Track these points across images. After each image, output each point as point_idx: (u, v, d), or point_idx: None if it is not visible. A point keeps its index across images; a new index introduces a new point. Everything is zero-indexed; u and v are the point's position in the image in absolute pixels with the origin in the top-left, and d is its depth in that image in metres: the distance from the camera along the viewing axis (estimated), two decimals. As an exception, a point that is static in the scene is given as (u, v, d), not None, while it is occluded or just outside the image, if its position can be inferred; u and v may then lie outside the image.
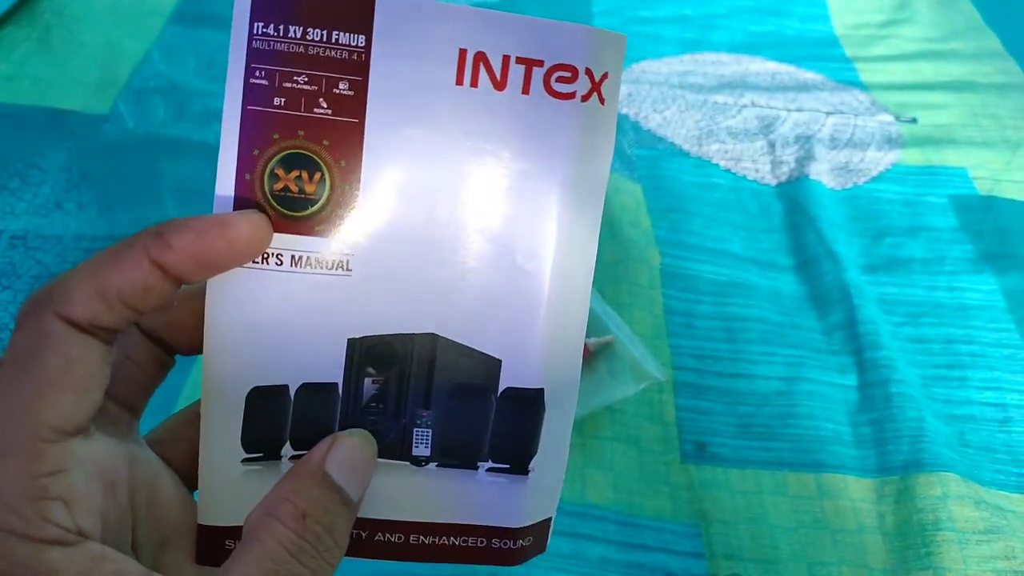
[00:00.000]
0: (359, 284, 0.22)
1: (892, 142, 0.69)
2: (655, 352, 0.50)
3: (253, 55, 0.21)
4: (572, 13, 0.84)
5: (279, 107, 0.21)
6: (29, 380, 0.18)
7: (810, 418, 0.48)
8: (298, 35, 0.21)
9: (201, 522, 0.23)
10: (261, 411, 0.22)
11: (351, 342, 0.22)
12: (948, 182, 0.66)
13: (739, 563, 0.42)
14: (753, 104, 0.72)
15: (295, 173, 0.21)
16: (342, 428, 0.23)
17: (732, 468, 0.46)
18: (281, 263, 0.22)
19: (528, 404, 0.23)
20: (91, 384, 0.19)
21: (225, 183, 0.21)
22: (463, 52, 0.21)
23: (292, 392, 0.22)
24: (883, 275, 0.58)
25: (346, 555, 0.23)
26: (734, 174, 0.66)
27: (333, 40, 0.21)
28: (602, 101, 0.22)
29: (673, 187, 0.64)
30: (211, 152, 0.21)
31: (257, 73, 0.21)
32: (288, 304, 0.22)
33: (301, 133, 0.21)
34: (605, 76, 0.22)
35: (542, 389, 0.23)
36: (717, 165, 0.66)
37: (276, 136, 0.21)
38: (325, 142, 0.21)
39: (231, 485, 0.22)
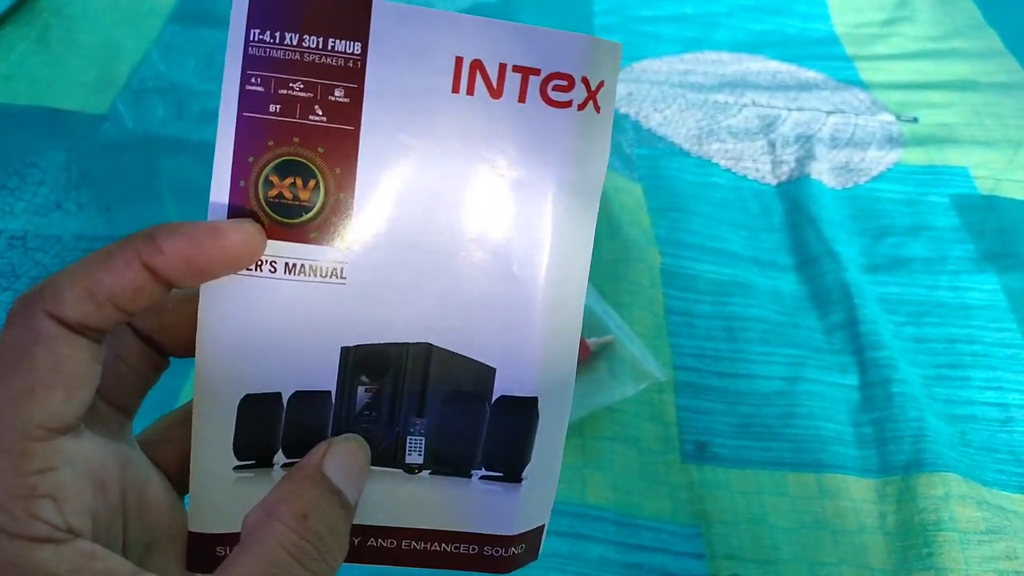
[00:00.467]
0: (353, 292, 0.22)
1: (893, 141, 0.69)
2: (655, 352, 0.50)
3: (249, 62, 0.21)
4: (573, 12, 0.83)
5: (274, 114, 0.21)
6: (18, 378, 0.18)
7: (811, 418, 0.48)
8: (294, 42, 0.21)
9: (192, 529, 0.22)
10: (253, 418, 0.22)
11: (344, 350, 0.22)
12: (950, 181, 0.66)
13: (740, 563, 0.42)
14: (754, 103, 0.72)
15: (289, 180, 0.21)
16: (335, 435, 0.23)
17: (732, 468, 0.46)
18: (275, 270, 0.21)
19: (522, 412, 0.23)
20: (81, 383, 0.19)
21: (220, 189, 0.21)
22: (459, 60, 0.21)
23: (285, 399, 0.22)
24: (884, 275, 0.58)
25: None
26: (735, 173, 0.66)
27: (329, 47, 0.21)
28: (597, 109, 0.22)
29: (673, 186, 0.64)
30: (210, 152, 0.21)
31: (253, 80, 0.21)
32: (281, 311, 0.22)
33: (296, 140, 0.21)
34: (601, 84, 0.22)
35: (536, 397, 0.23)
36: (717, 164, 0.66)
37: (271, 143, 0.21)
38: (320, 149, 0.21)
39: (223, 492, 0.22)
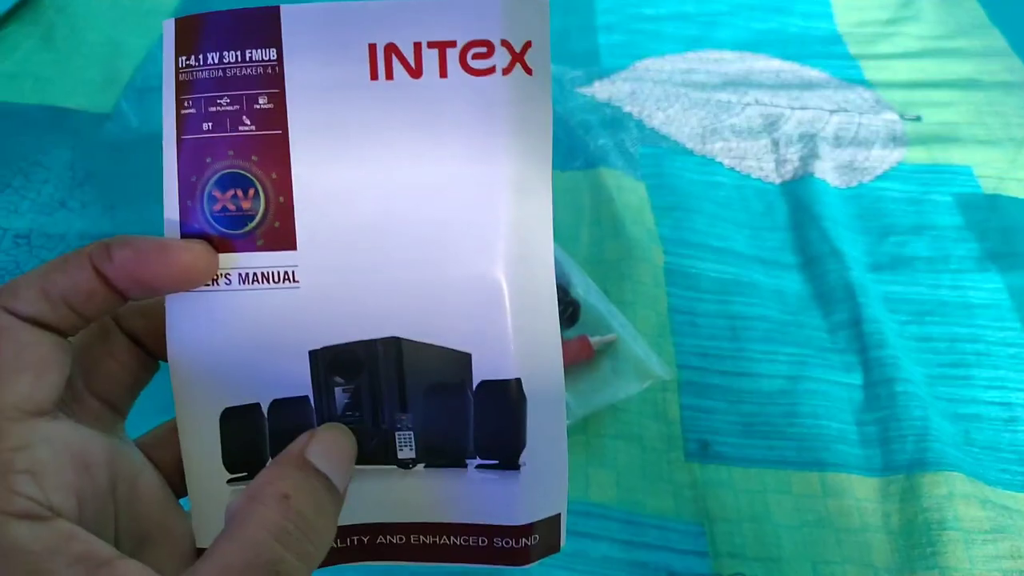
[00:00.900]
0: (309, 294, 0.22)
1: (897, 140, 0.69)
2: (659, 351, 0.50)
3: (180, 88, 0.22)
4: (575, 11, 0.83)
5: (208, 131, 0.22)
6: None
7: (814, 417, 0.48)
8: (216, 60, 0.22)
9: (200, 546, 0.23)
10: (237, 431, 0.22)
11: (312, 354, 0.22)
12: (953, 180, 0.65)
13: (743, 562, 0.42)
14: (757, 102, 0.72)
15: (231, 192, 0.22)
16: None
17: (736, 467, 0.46)
18: (230, 282, 0.22)
19: (505, 395, 0.23)
20: (47, 368, 0.20)
21: (171, 211, 0.22)
22: (372, 47, 0.21)
23: (265, 409, 0.22)
24: (888, 273, 0.58)
25: (352, 561, 0.23)
26: (738, 172, 0.66)
27: (247, 59, 0.22)
28: (528, 71, 0.22)
29: (677, 185, 0.64)
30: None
31: (186, 103, 0.22)
32: (243, 322, 0.22)
33: (230, 153, 0.22)
34: (528, 45, 0.22)
35: (518, 379, 0.23)
36: (721, 163, 0.66)
37: (208, 160, 0.22)
38: (254, 158, 0.22)
39: (222, 506, 0.22)
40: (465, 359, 0.22)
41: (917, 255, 0.59)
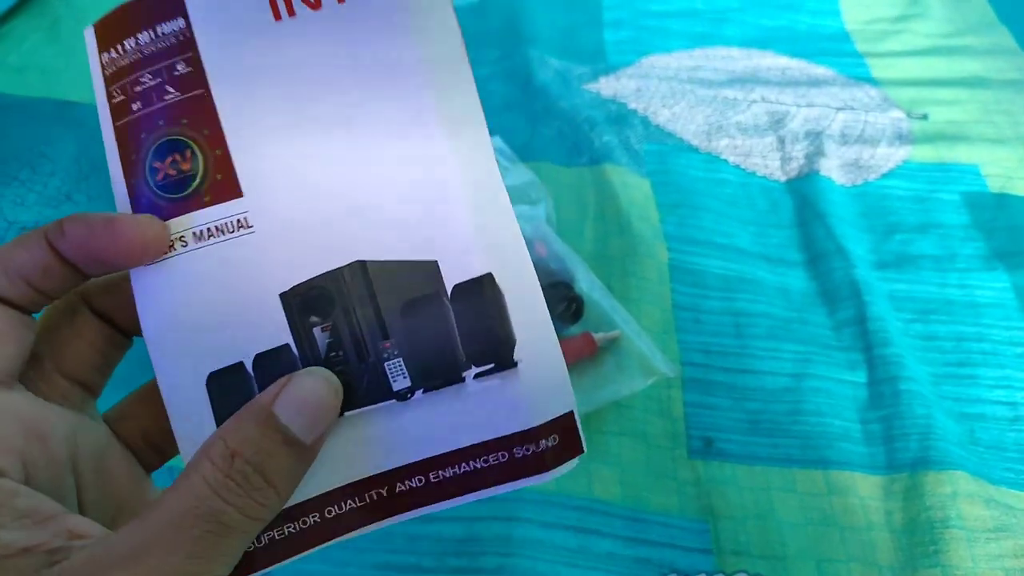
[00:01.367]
0: (266, 236, 0.22)
1: (903, 138, 0.69)
2: (663, 347, 0.50)
3: (108, 81, 0.23)
4: (582, 7, 0.83)
5: (138, 111, 0.22)
6: None
7: (818, 415, 0.48)
8: (132, 45, 0.23)
9: None
10: (225, 394, 0.22)
11: (283, 296, 0.22)
12: (960, 179, 0.65)
13: (747, 559, 0.42)
14: (763, 99, 0.72)
15: (169, 159, 0.22)
16: None
17: (740, 464, 0.46)
18: (186, 244, 0.22)
19: (481, 293, 0.22)
20: (3, 340, 0.20)
21: (120, 196, 0.22)
22: None
23: (249, 367, 0.22)
24: (893, 272, 0.58)
25: (377, 521, 0.22)
26: (743, 170, 0.65)
27: (159, 34, 0.23)
28: None
29: (682, 182, 0.64)
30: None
31: (114, 93, 0.23)
32: (210, 280, 0.22)
33: (161, 123, 0.22)
34: None
35: (488, 274, 0.22)
36: (726, 160, 0.66)
37: (143, 136, 0.22)
38: (184, 121, 0.22)
39: None
40: (432, 267, 0.22)
41: (923, 253, 0.59)
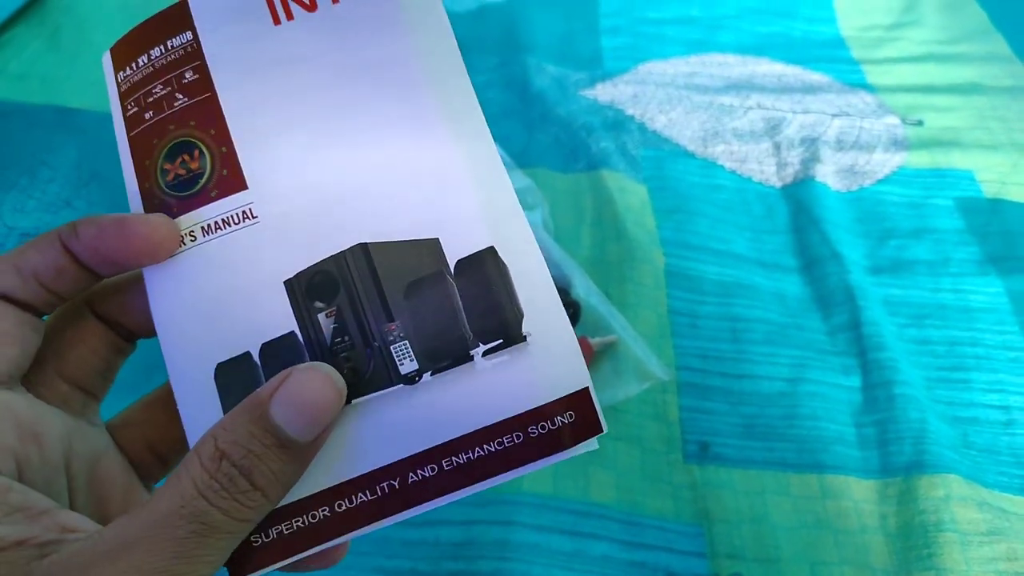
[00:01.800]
0: (270, 225, 0.23)
1: (898, 144, 0.69)
2: (659, 352, 0.51)
3: (122, 96, 0.24)
4: (579, 13, 0.84)
5: (150, 119, 0.24)
6: None
7: (813, 419, 0.48)
8: (145, 61, 0.24)
9: None
10: (233, 384, 0.22)
11: (287, 283, 0.23)
12: (954, 184, 0.66)
13: (741, 563, 0.42)
14: (759, 106, 0.72)
15: (179, 160, 0.23)
16: None
17: (735, 468, 0.46)
18: (195, 238, 0.23)
19: (485, 267, 0.22)
20: (9, 341, 0.21)
21: (133, 198, 0.23)
22: None
23: (256, 357, 0.22)
24: (888, 277, 0.58)
25: (393, 515, 0.21)
26: (739, 175, 0.66)
27: (169, 47, 0.24)
28: None
29: (678, 188, 0.64)
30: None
31: (128, 106, 0.24)
32: (216, 272, 0.23)
33: (171, 128, 0.23)
34: None
35: (491, 247, 0.22)
36: (722, 166, 0.67)
37: (155, 141, 0.24)
38: (192, 123, 0.23)
39: None
40: (434, 244, 0.22)
41: (917, 259, 0.59)
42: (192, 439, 0.22)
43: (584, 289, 0.52)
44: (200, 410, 0.22)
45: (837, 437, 0.48)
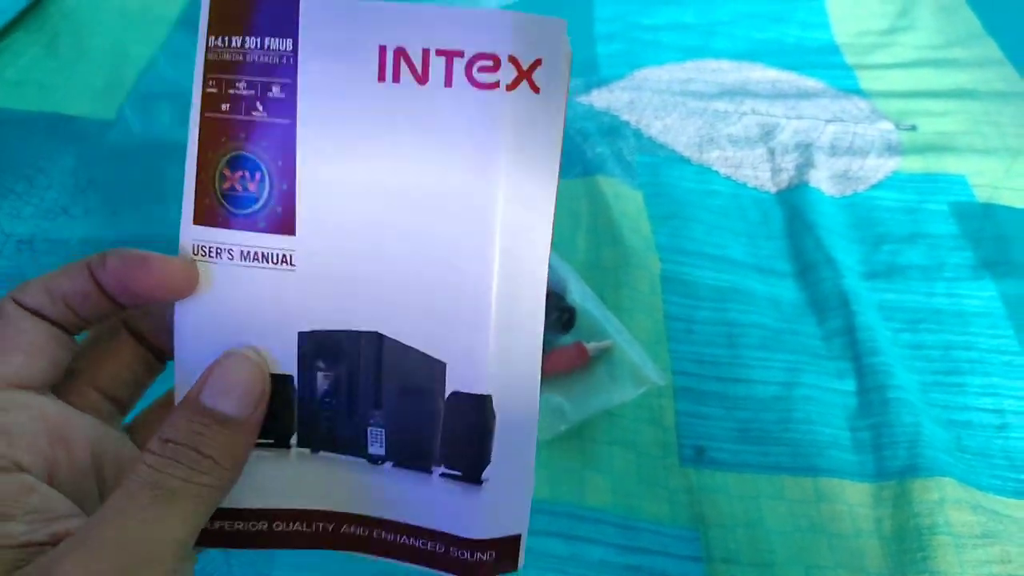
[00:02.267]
0: (303, 278, 0.23)
1: (892, 149, 0.70)
2: (655, 357, 0.51)
3: (208, 66, 0.23)
4: (574, 20, 0.84)
5: (226, 112, 0.23)
6: None
7: (808, 423, 0.49)
8: (239, 44, 0.23)
9: None
10: None
11: (301, 335, 0.23)
12: (948, 189, 0.66)
13: (737, 567, 0.42)
14: (753, 111, 0.73)
15: (239, 174, 0.23)
16: (300, 419, 0.24)
17: (730, 472, 0.46)
18: (232, 257, 0.23)
19: (475, 410, 0.23)
20: (40, 352, 0.22)
21: (189, 185, 0.23)
22: (383, 48, 0.22)
23: None
24: (882, 282, 0.58)
25: (316, 547, 0.24)
26: (734, 181, 0.66)
27: (265, 46, 0.22)
28: (535, 89, 0.22)
29: (674, 194, 0.64)
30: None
31: (210, 83, 0.23)
32: (241, 296, 0.23)
33: (242, 136, 0.23)
34: (537, 63, 0.22)
35: (488, 396, 0.23)
36: (717, 172, 0.67)
37: (223, 139, 0.23)
38: (263, 143, 0.23)
39: None
40: (440, 368, 0.23)
41: (912, 263, 0.60)
42: None
43: (580, 294, 0.52)
44: None
45: (832, 441, 0.48)
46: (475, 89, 0.22)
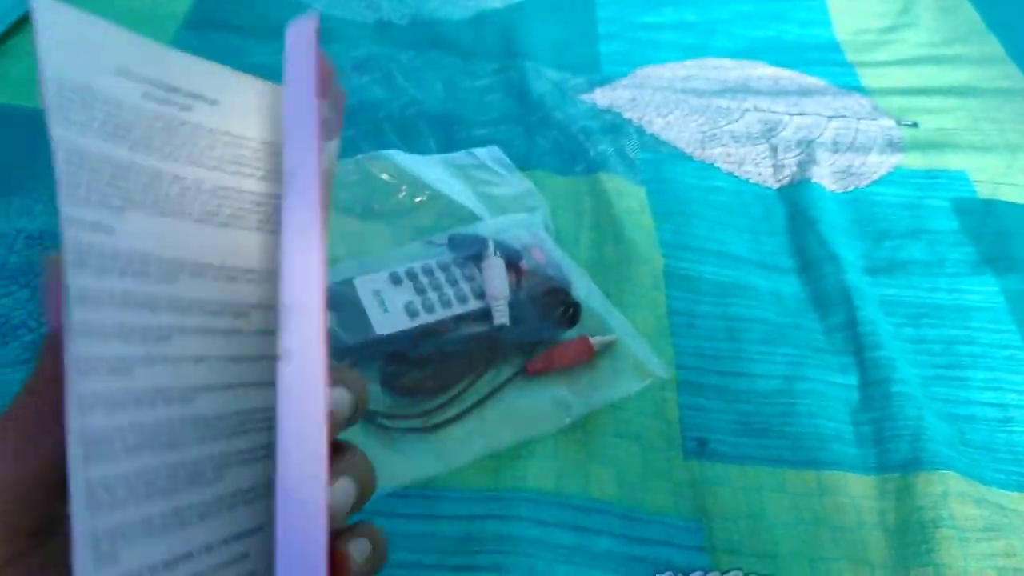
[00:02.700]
0: None
1: (893, 146, 0.70)
2: (658, 351, 0.51)
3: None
4: (576, 20, 0.85)
5: None
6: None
7: (810, 416, 0.49)
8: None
9: None
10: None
11: None
12: (949, 185, 0.66)
13: (740, 558, 0.42)
14: (755, 108, 0.73)
15: None
16: None
17: (732, 465, 0.47)
18: None
19: None
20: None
21: None
22: None
23: None
24: (884, 277, 0.59)
25: None
26: (737, 177, 0.67)
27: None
28: None
29: (676, 190, 0.65)
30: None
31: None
32: None
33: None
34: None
35: None
36: (720, 168, 0.67)
37: None
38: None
39: None
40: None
41: (913, 259, 0.60)
42: None
43: (584, 290, 0.52)
44: None
45: (834, 434, 0.48)
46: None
